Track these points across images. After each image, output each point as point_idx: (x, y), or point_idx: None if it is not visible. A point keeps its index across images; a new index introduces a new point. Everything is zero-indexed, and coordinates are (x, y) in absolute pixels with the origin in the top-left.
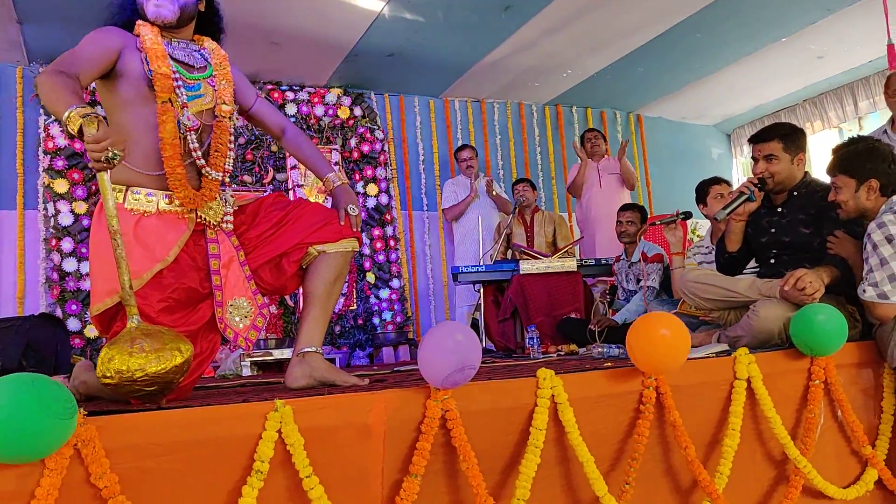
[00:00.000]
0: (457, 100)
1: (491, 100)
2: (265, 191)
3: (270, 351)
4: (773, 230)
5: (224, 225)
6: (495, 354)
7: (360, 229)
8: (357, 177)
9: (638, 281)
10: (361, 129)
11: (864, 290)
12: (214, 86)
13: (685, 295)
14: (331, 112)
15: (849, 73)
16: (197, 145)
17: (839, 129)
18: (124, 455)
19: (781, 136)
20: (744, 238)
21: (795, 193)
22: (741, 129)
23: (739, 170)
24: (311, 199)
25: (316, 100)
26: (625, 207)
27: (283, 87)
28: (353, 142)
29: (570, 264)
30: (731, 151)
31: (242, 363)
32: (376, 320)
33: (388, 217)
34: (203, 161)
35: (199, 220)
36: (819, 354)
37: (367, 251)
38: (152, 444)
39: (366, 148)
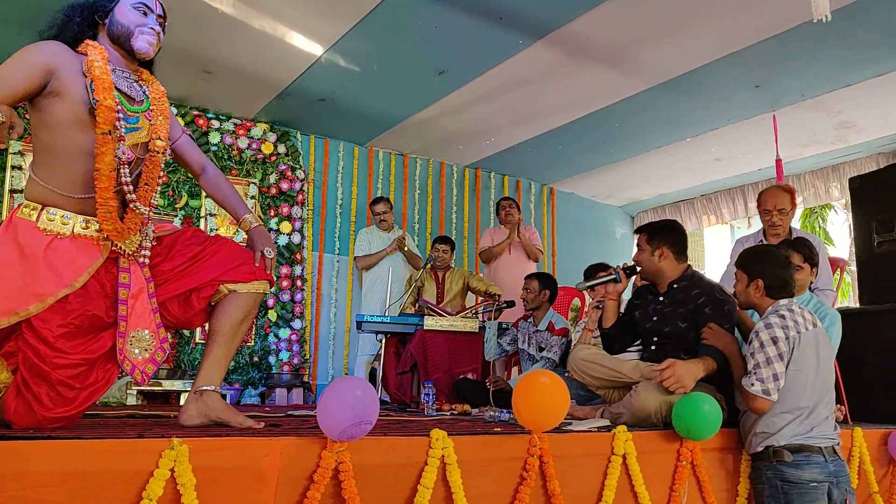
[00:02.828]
0: (381, 150)
1: (414, 155)
2: (176, 216)
3: (160, 381)
4: (655, 318)
5: (140, 259)
6: (390, 407)
7: (272, 270)
8: (272, 212)
9: (540, 349)
10: (283, 167)
11: (753, 384)
12: (151, 120)
13: (574, 371)
14: (254, 146)
15: (742, 177)
16: (129, 178)
17: (730, 224)
18: (7, 483)
19: (648, 230)
20: (630, 321)
21: (676, 286)
22: (644, 213)
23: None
24: (224, 230)
25: (241, 132)
26: (530, 276)
27: (210, 115)
28: (272, 178)
29: (473, 325)
30: (633, 232)
31: (128, 391)
32: (272, 359)
33: (298, 257)
34: (133, 195)
35: (113, 247)
36: (695, 439)
37: (272, 288)
38: (37, 472)
39: (284, 185)
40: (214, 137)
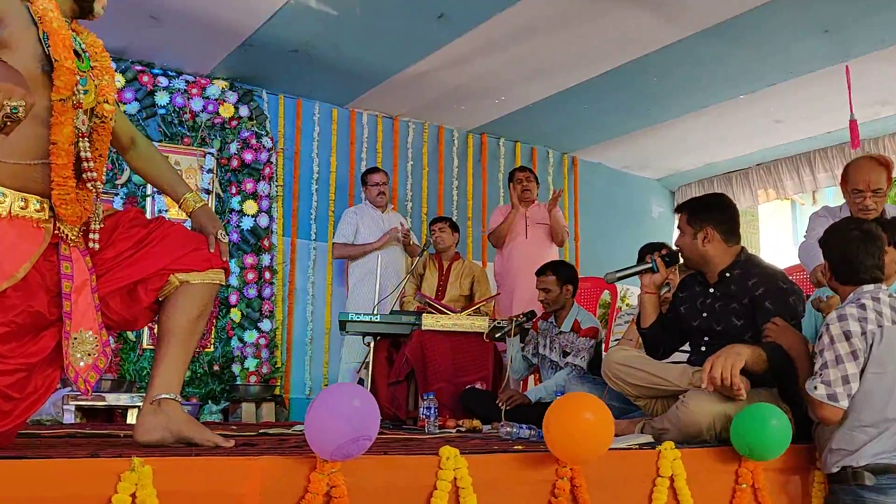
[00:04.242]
0: (366, 113)
1: (407, 118)
2: (116, 195)
3: (103, 394)
4: (704, 314)
5: (90, 244)
6: (382, 424)
7: (227, 255)
8: (234, 189)
9: (564, 353)
10: (246, 133)
11: (816, 387)
12: (95, 80)
13: (609, 378)
14: (211, 108)
15: (807, 142)
16: (89, 153)
17: (792, 200)
18: None
19: (689, 208)
20: (675, 318)
21: (728, 275)
22: (687, 187)
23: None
24: (175, 211)
25: (195, 91)
26: (543, 269)
27: (156, 71)
28: (233, 147)
29: (481, 324)
30: (673, 211)
31: (65, 406)
32: (236, 368)
33: (265, 243)
34: (94, 173)
35: (55, 231)
36: (758, 459)
37: (234, 282)
38: None
39: (248, 156)
40: (162, 98)
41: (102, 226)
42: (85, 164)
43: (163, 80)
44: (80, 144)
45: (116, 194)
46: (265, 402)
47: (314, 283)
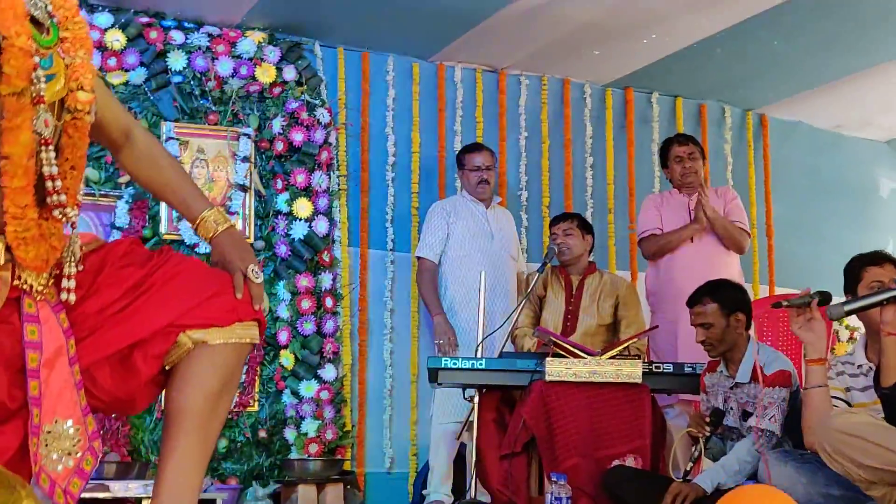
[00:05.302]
0: (459, 66)
1: (516, 71)
2: (120, 197)
3: (106, 482)
4: None
5: (63, 296)
6: None
7: (266, 304)
8: (280, 184)
9: (745, 414)
10: (294, 105)
11: None
12: (65, 57)
13: (826, 453)
14: (244, 71)
15: None
16: (55, 168)
17: None
18: None
19: None
20: None
21: None
22: None
23: None
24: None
25: (221, 48)
26: (696, 296)
27: (168, 23)
28: (277, 124)
29: (634, 372)
30: None
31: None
32: (290, 434)
33: (325, 257)
34: (61, 196)
35: (16, 281)
36: None
37: (284, 313)
38: None
39: (298, 136)
40: (177, 60)
41: (81, 268)
42: (50, 183)
43: (177, 36)
44: (43, 156)
45: (120, 197)
46: (330, 484)
47: (394, 311)
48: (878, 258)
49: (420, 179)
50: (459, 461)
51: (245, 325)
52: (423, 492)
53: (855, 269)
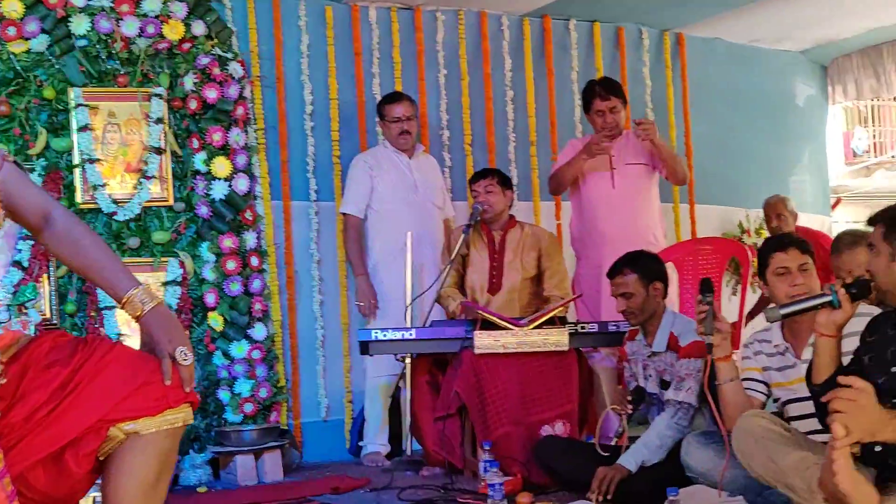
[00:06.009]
0: (373, 6)
1: (432, 7)
2: (32, 170)
3: None
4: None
5: None
6: (432, 477)
7: (193, 382)
8: (195, 143)
9: (664, 383)
10: (205, 60)
11: None
12: None
13: (742, 454)
14: (151, 29)
15: None
16: None
17: None
18: None
19: (887, 218)
20: (858, 372)
21: None
22: (844, 59)
23: (839, 122)
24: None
25: (126, 7)
26: (616, 267)
27: None
28: (189, 82)
29: (561, 339)
30: (826, 93)
31: None
32: (224, 395)
33: (247, 215)
34: None
35: None
36: None
37: (210, 275)
38: None
39: (212, 93)
40: (80, 24)
41: (4, 381)
42: None
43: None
44: None
45: (32, 169)
46: (268, 451)
47: (320, 263)
48: (783, 244)
49: (339, 127)
50: (395, 408)
51: (175, 410)
52: (360, 443)
53: (763, 255)
